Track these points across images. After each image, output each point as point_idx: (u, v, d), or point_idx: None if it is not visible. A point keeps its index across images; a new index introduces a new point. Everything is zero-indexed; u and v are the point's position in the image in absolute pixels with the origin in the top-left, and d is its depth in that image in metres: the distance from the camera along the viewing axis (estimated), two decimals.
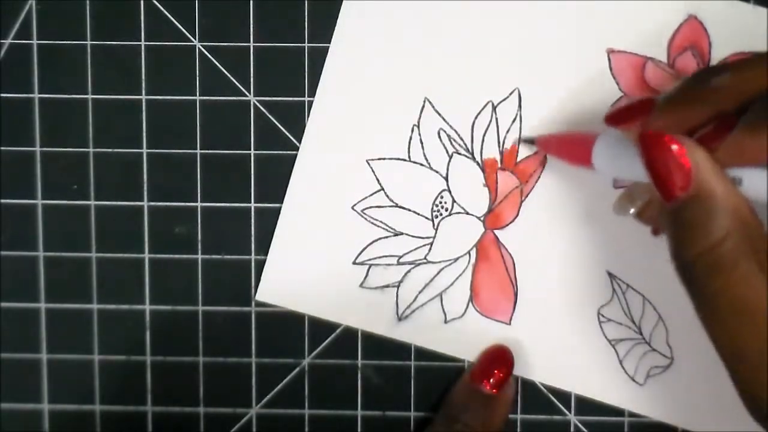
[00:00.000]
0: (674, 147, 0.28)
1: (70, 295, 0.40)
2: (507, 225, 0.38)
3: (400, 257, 0.38)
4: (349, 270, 0.38)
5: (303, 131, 0.38)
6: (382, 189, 0.38)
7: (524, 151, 0.38)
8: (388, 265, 0.38)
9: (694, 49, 0.37)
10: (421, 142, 0.38)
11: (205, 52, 0.38)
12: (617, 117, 0.32)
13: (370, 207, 0.38)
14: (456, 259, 0.38)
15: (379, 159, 0.38)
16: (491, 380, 0.37)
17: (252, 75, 0.38)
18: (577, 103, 0.37)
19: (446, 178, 0.38)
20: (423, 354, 0.39)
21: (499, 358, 0.38)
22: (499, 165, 0.38)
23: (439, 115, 0.38)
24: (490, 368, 0.38)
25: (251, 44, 0.38)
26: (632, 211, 0.34)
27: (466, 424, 0.37)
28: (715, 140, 0.29)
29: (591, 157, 0.33)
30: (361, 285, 0.38)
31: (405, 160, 0.38)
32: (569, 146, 0.35)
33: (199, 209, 0.39)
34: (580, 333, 0.38)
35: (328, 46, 0.38)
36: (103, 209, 0.39)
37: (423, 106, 0.38)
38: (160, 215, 0.39)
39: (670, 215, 0.28)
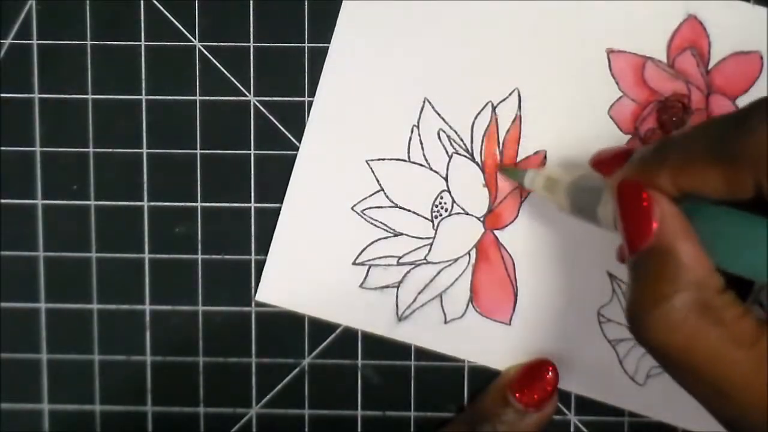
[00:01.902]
0: (643, 199, 0.28)
1: (70, 295, 0.39)
2: (507, 225, 0.38)
3: (400, 258, 0.38)
4: (349, 270, 0.38)
5: (303, 131, 0.38)
6: (382, 189, 0.38)
7: (524, 151, 0.38)
8: (388, 265, 0.38)
9: (693, 49, 0.37)
10: (421, 143, 0.38)
11: (205, 52, 0.38)
12: (602, 162, 0.32)
13: (370, 207, 0.38)
14: (456, 260, 0.38)
15: (379, 159, 0.38)
16: (524, 398, 0.37)
17: (252, 75, 0.38)
18: (577, 103, 0.37)
19: (446, 179, 0.38)
20: (423, 354, 0.39)
21: (538, 375, 0.37)
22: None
23: (439, 115, 0.38)
24: (527, 384, 0.37)
25: (251, 44, 0.38)
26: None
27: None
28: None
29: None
30: (360, 285, 0.38)
31: (405, 160, 0.38)
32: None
33: (199, 209, 0.39)
34: (580, 333, 0.38)
35: (328, 46, 0.38)
36: (103, 209, 0.39)
37: (423, 107, 0.38)
38: (160, 215, 0.39)
39: (630, 267, 0.29)
